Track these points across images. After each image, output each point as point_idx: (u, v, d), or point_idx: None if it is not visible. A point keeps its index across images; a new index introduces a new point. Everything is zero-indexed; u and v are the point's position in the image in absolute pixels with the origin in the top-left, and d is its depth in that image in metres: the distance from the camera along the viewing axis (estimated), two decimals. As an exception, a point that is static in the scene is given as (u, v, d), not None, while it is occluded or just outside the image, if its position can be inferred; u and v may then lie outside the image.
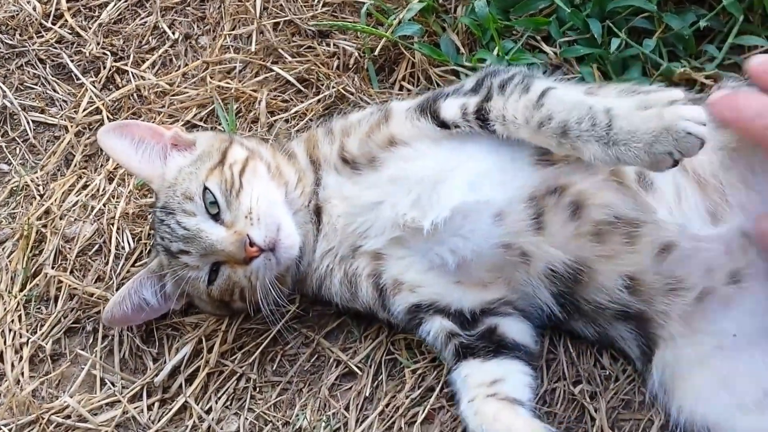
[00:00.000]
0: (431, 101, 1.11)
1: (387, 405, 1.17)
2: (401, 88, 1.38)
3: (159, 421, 1.21)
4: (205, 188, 1.12)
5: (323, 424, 1.17)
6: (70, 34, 1.58)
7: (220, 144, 1.20)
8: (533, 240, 1.04)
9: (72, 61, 1.55)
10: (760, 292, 0.99)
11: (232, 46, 1.49)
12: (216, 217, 1.12)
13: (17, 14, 1.61)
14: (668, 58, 1.30)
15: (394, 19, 1.39)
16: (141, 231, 1.33)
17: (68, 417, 1.23)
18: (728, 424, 0.99)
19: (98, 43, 1.55)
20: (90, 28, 1.57)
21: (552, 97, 0.97)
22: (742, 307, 0.99)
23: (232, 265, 1.11)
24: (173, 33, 1.53)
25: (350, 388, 1.20)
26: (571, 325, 1.12)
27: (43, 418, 1.23)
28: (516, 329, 1.12)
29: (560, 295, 1.07)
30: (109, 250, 1.34)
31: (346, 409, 1.18)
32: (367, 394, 1.19)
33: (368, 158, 1.13)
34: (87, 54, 1.54)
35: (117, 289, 1.30)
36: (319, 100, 1.40)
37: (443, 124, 1.08)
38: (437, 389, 1.15)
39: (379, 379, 1.20)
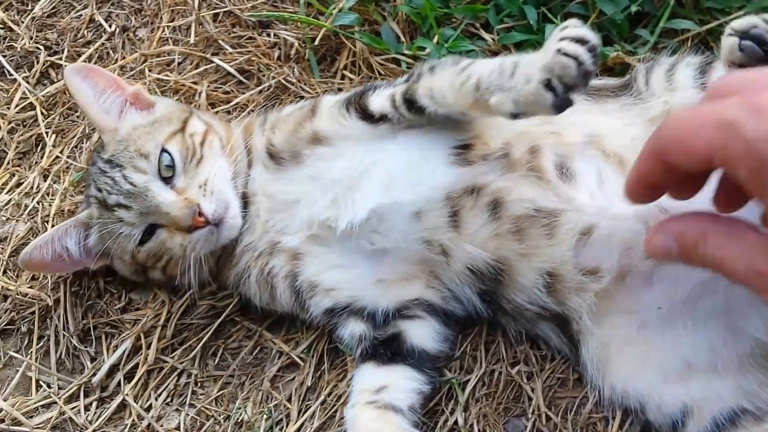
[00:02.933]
0: (359, 95, 1.16)
1: (329, 394, 1.21)
2: (343, 77, 1.43)
3: (97, 420, 1.23)
4: (164, 150, 1.17)
5: (264, 416, 1.20)
6: (1, 28, 1.60)
7: (180, 113, 1.27)
8: (452, 236, 1.09)
9: (4, 56, 1.57)
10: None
11: (170, 38, 1.53)
12: (167, 180, 1.17)
13: (-55, 9, 1.63)
14: (603, 42, 1.35)
15: (334, 8, 1.43)
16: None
17: (2, 421, 1.24)
18: (657, 396, 1.05)
19: (31, 38, 1.57)
20: (23, 22, 1.59)
21: (477, 62, 1.02)
22: (664, 279, 1.03)
23: (172, 230, 1.16)
24: (110, 26, 1.56)
25: (293, 378, 1.23)
26: (498, 322, 1.18)
27: (-24, 422, 1.24)
28: (420, 333, 1.18)
29: (484, 293, 1.13)
30: (43, 248, 1.35)
31: (288, 400, 1.21)
32: (309, 384, 1.22)
33: (292, 154, 1.18)
34: (19, 49, 1.57)
35: (52, 288, 1.33)
36: (260, 91, 1.44)
37: (370, 117, 1.12)
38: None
39: (322, 368, 1.23)
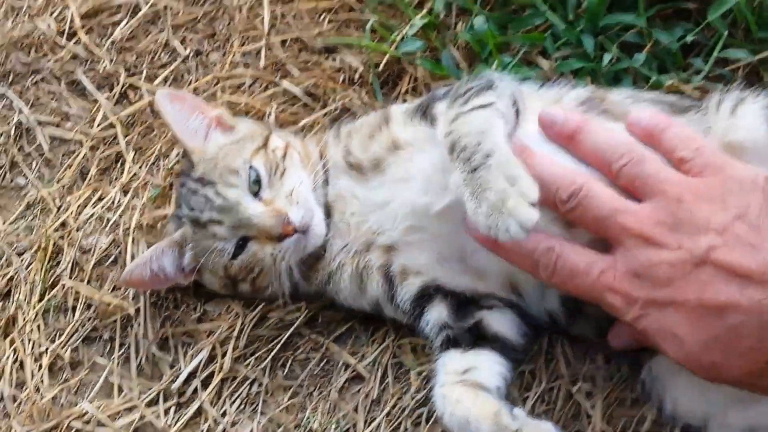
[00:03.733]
0: (428, 104, 1.24)
1: (394, 406, 1.28)
2: (404, 101, 1.50)
3: (176, 424, 1.32)
4: (251, 166, 1.27)
5: (333, 426, 1.29)
6: (83, 51, 1.69)
7: (261, 131, 1.37)
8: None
9: (86, 77, 1.67)
10: None
11: (241, 62, 1.61)
12: (255, 194, 1.27)
13: (32, 32, 1.73)
14: (658, 70, 1.42)
15: (397, 35, 1.51)
16: (155, 241, 1.44)
17: (87, 422, 1.34)
18: (722, 415, 1.11)
19: (111, 60, 1.66)
20: (103, 45, 1.69)
21: (467, 117, 1.08)
22: None
23: (262, 240, 1.25)
24: (184, 49, 1.65)
25: (358, 390, 1.31)
26: (573, 328, 1.24)
27: (63, 424, 1.34)
28: (500, 321, 1.24)
29: (567, 299, 1.18)
30: (125, 261, 1.45)
31: (355, 410, 1.29)
32: (375, 397, 1.30)
33: (372, 162, 1.26)
34: (100, 70, 1.66)
35: (133, 298, 1.43)
36: (325, 114, 1.52)
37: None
38: (442, 390, 1.27)
39: (386, 381, 1.31)
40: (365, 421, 1.28)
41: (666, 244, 0.97)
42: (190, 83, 1.61)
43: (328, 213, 1.30)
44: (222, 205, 1.26)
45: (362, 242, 1.28)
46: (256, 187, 1.27)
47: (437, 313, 1.25)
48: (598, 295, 1.03)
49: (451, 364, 1.22)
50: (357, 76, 1.53)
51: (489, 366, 1.21)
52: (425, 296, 1.25)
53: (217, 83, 1.59)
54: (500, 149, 1.03)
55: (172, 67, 1.63)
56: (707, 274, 0.94)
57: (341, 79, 1.54)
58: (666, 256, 0.96)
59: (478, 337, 1.23)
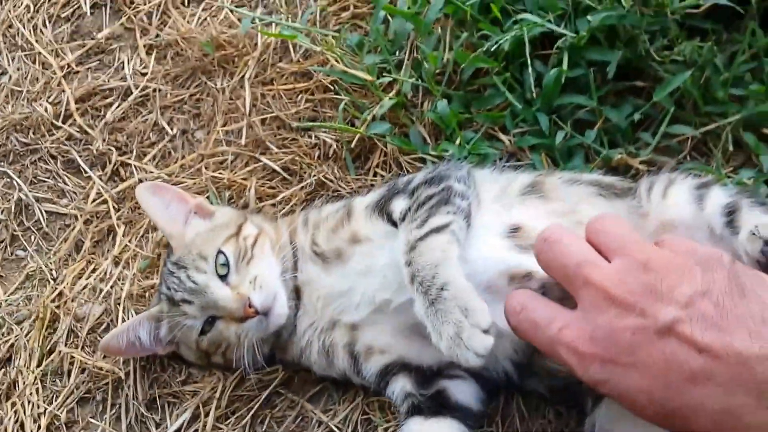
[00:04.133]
0: (385, 201, 1.36)
1: (365, 461, 1.39)
2: (375, 174, 1.63)
3: (162, 483, 1.44)
4: (220, 252, 1.38)
5: (308, 480, 1.39)
6: (78, 132, 1.83)
7: (237, 219, 1.48)
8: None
9: (80, 156, 1.80)
10: None
11: (224, 139, 1.74)
12: (222, 278, 1.37)
13: (30, 115, 1.86)
14: (608, 145, 1.53)
15: (368, 114, 1.63)
16: (144, 309, 1.56)
17: (81, 479, 1.46)
18: None
19: (104, 140, 1.79)
20: (96, 127, 1.81)
21: (423, 244, 1.20)
22: None
23: (227, 320, 1.36)
24: (171, 129, 1.78)
25: (336, 448, 1.43)
26: (526, 384, 1.33)
27: (58, 481, 1.45)
28: (462, 391, 1.33)
29: (519, 363, 1.28)
30: (116, 328, 1.57)
31: (329, 468, 1.40)
32: (351, 453, 1.41)
33: (336, 253, 1.38)
34: (94, 150, 1.79)
35: (123, 362, 1.54)
36: (302, 187, 1.64)
37: (395, 223, 1.32)
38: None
39: (360, 438, 1.42)
40: (339, 478, 1.39)
41: (629, 306, 0.94)
42: (176, 160, 1.73)
43: (298, 294, 1.42)
44: (192, 287, 1.37)
45: (327, 320, 1.39)
46: (224, 270, 1.37)
47: (401, 384, 1.35)
48: (554, 350, 1.02)
49: (415, 430, 1.32)
50: (331, 152, 1.65)
51: None
52: (390, 372, 1.36)
53: (202, 160, 1.71)
54: (454, 281, 1.15)
55: (160, 146, 1.76)
56: (672, 345, 0.91)
57: (316, 155, 1.66)
58: (629, 322, 0.94)
59: (440, 405, 1.33)
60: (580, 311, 1.00)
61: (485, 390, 1.36)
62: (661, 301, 0.93)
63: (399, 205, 1.33)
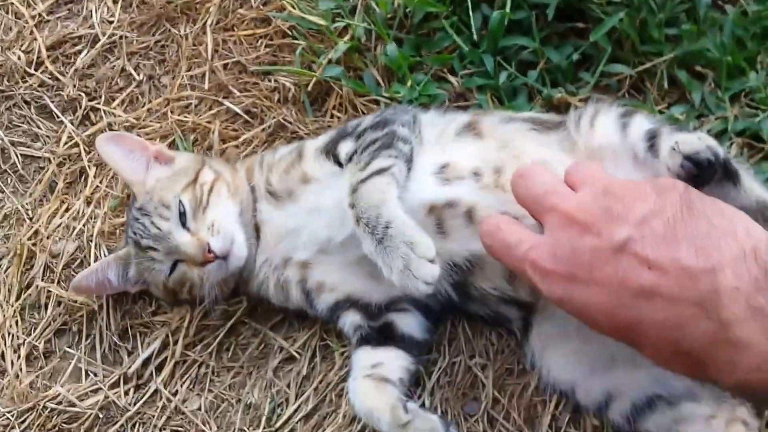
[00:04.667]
0: (333, 143, 1.44)
1: (320, 382, 1.50)
2: (332, 116, 1.71)
3: (135, 404, 1.54)
4: (180, 201, 1.45)
5: (268, 400, 1.51)
6: (50, 78, 1.90)
7: (195, 165, 1.54)
8: (438, 240, 1.31)
9: (53, 102, 1.87)
10: None
11: (188, 84, 1.81)
12: (184, 225, 1.45)
13: (4, 63, 1.93)
14: (550, 84, 1.62)
15: (324, 58, 1.71)
16: (115, 245, 1.66)
17: (60, 403, 1.55)
18: (585, 384, 1.33)
19: (74, 86, 1.86)
20: (67, 73, 1.89)
21: (365, 186, 1.29)
22: None
23: (190, 265, 1.45)
24: (138, 75, 1.85)
25: (291, 369, 1.53)
26: (467, 307, 1.44)
27: (39, 405, 1.55)
28: (408, 324, 1.44)
29: (457, 284, 1.38)
30: (89, 263, 1.66)
31: (288, 387, 1.51)
32: (305, 374, 1.51)
33: (287, 192, 1.47)
34: (65, 96, 1.86)
35: (96, 297, 1.63)
36: (263, 129, 1.72)
37: (341, 165, 1.40)
38: (361, 367, 1.49)
39: (315, 361, 1.52)
40: (296, 395, 1.50)
41: (588, 227, 1.00)
42: (144, 105, 1.81)
43: (258, 233, 1.50)
44: (156, 234, 1.45)
45: (280, 258, 1.48)
46: (184, 218, 1.45)
47: (351, 318, 1.46)
48: (522, 268, 1.08)
49: (363, 359, 1.43)
50: (290, 95, 1.73)
51: (394, 362, 1.42)
52: (340, 307, 1.47)
53: (167, 104, 1.79)
54: (396, 218, 1.24)
55: (128, 91, 1.84)
56: (624, 263, 0.97)
57: (276, 98, 1.74)
58: (587, 241, 1.00)
59: (387, 337, 1.44)
60: (546, 233, 1.07)
61: (431, 320, 1.47)
62: (616, 221, 0.99)
63: (345, 148, 1.42)
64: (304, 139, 1.60)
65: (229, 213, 1.48)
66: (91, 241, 1.69)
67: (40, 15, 2.01)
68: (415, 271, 1.19)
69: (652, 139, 1.29)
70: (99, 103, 1.84)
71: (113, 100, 1.84)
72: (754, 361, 0.90)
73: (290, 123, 1.71)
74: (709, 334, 0.91)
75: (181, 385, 1.55)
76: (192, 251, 1.43)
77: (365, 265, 1.32)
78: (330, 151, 1.44)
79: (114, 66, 1.88)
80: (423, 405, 1.44)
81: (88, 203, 1.74)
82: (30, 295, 1.68)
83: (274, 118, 1.72)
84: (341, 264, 1.45)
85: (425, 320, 1.46)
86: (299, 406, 1.49)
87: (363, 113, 1.69)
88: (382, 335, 1.45)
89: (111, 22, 1.94)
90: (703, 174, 1.16)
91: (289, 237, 1.47)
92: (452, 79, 1.67)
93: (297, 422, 1.48)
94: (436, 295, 1.41)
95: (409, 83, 1.66)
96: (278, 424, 1.48)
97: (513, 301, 1.38)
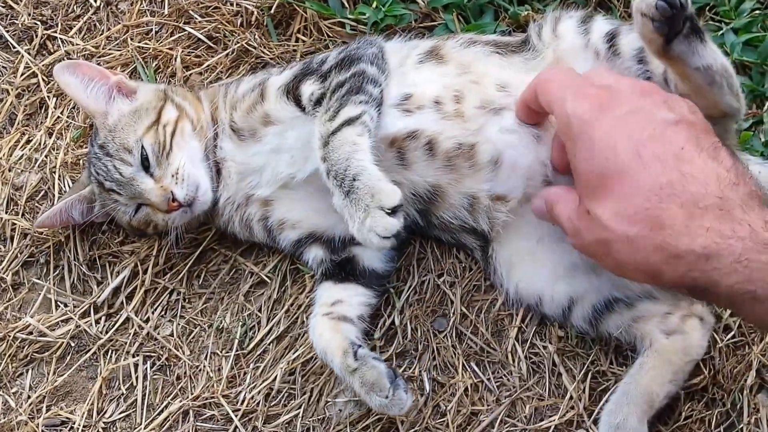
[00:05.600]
0: (296, 82, 1.41)
1: (291, 304, 1.53)
2: (297, 40, 1.69)
3: (107, 332, 1.56)
4: (142, 146, 1.43)
5: (240, 323, 1.53)
6: (3, 7, 1.85)
7: (156, 102, 1.50)
8: (401, 171, 1.36)
9: (7, 31, 1.82)
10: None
11: (148, 9, 1.77)
12: (147, 170, 1.43)
13: (-46, -8, 1.86)
14: (517, 2, 1.62)
15: (287, -21, 1.68)
16: (78, 176, 1.64)
17: (30, 333, 1.57)
18: (549, 292, 1.38)
19: (29, 14, 1.81)
20: (21, 1, 1.84)
21: (336, 139, 1.27)
22: None
23: (154, 210, 1.45)
24: (95, 1, 1.81)
25: (262, 293, 1.55)
26: (432, 233, 1.48)
27: (9, 336, 1.57)
28: (369, 257, 1.47)
29: (420, 211, 1.41)
30: (54, 195, 1.66)
31: (259, 310, 1.53)
32: (276, 297, 1.54)
33: (250, 131, 1.46)
34: (20, 25, 1.81)
35: (62, 228, 1.63)
36: (227, 55, 1.70)
37: (303, 108, 1.39)
38: (332, 289, 1.51)
39: (286, 285, 1.55)
40: (268, 318, 1.53)
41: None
42: (102, 32, 1.77)
43: (219, 170, 1.49)
44: (119, 179, 1.44)
45: (242, 196, 1.48)
46: (147, 163, 1.43)
47: (314, 254, 1.48)
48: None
49: (324, 296, 1.45)
50: (253, 19, 1.70)
51: (354, 298, 1.45)
52: (303, 243, 1.48)
53: (127, 31, 1.75)
54: (364, 170, 1.23)
55: (85, 18, 1.79)
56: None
57: (239, 22, 1.71)
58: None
59: (348, 273, 1.46)
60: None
61: (395, 247, 1.45)
62: None
63: (309, 89, 1.39)
64: (268, 71, 1.57)
65: (193, 156, 1.46)
66: (54, 172, 1.68)
67: (-11, -58, 1.94)
68: (371, 226, 1.19)
69: (612, 39, 1.35)
70: (56, 32, 1.80)
71: (70, 28, 1.80)
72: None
73: (254, 48, 1.69)
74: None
75: (153, 312, 1.57)
76: (156, 200, 1.42)
77: (329, 199, 1.33)
78: (291, 92, 1.41)
79: (70, -8, 1.83)
80: (393, 323, 1.47)
81: (50, 134, 1.72)
82: (-5, 227, 1.67)
83: (237, 43, 1.70)
84: (304, 200, 1.46)
85: (389, 249, 1.48)
86: (271, 329, 1.52)
87: (328, 36, 1.67)
88: (344, 271, 1.47)
89: (65, -53, 1.88)
90: (674, 17, 1.17)
91: (252, 176, 1.47)
92: (419, -1, 1.66)
93: (269, 344, 1.51)
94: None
95: (374, 4, 1.64)
96: (250, 347, 1.51)
97: (472, 230, 1.41)
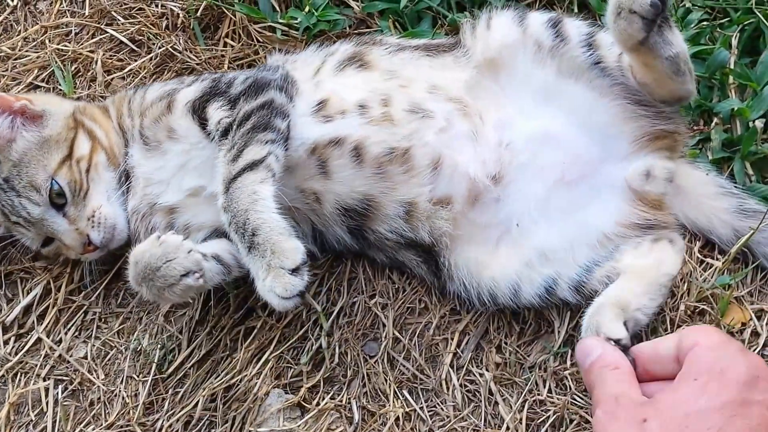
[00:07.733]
0: (203, 103, 1.35)
1: (214, 326, 1.45)
2: (225, 44, 1.62)
3: (16, 354, 1.47)
4: (53, 181, 1.35)
5: (159, 345, 1.45)
6: None
7: (67, 133, 1.40)
8: (323, 183, 1.31)
9: None
10: (522, 182, 1.32)
11: (68, 10, 1.69)
12: (59, 208, 1.37)
13: None
14: (456, 9, 1.57)
15: (215, -20, 1.61)
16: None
17: (-66, 355, 1.48)
18: (528, 275, 1.32)
19: (-61, 12, 1.72)
20: (-70, -2, 1.74)
21: (236, 190, 1.21)
22: (512, 198, 1.32)
23: (67, 248, 1.39)
24: (12, 0, 1.72)
25: (184, 314, 1.47)
26: (367, 253, 1.42)
27: None
28: None
29: (354, 230, 1.36)
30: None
31: (180, 332, 1.46)
32: (198, 318, 1.46)
33: (156, 142, 1.39)
34: (-72, 23, 1.72)
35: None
36: (151, 59, 1.63)
37: (209, 134, 1.33)
38: (257, 309, 1.44)
39: (209, 305, 1.47)
40: (189, 340, 1.45)
41: None
42: (19, 33, 1.69)
43: (128, 178, 1.41)
44: (28, 218, 1.36)
45: (147, 204, 1.40)
46: (61, 200, 1.35)
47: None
48: None
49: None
50: (179, 21, 1.63)
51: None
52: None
53: (45, 32, 1.67)
54: (263, 225, 1.18)
55: (0, 18, 1.71)
56: None
57: (164, 25, 1.64)
58: None
59: None
60: None
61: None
62: None
63: (216, 115, 1.33)
64: (180, 79, 1.49)
65: (109, 189, 1.41)
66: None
67: None
68: (272, 283, 1.15)
69: (557, 25, 1.32)
70: (-32, 33, 1.71)
71: (-16, 28, 1.71)
72: None
73: (180, 52, 1.62)
74: None
75: (66, 333, 1.49)
76: (71, 243, 1.38)
77: None
78: (197, 112, 1.35)
79: (-16, -10, 1.74)
80: (320, 347, 1.40)
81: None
82: None
83: (162, 47, 1.62)
84: (209, 208, 1.37)
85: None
86: (192, 352, 1.44)
87: (258, 41, 1.61)
88: None
89: (-22, -59, 1.78)
90: (661, 12, 1.18)
91: (156, 186, 1.40)
92: (353, 3, 1.61)
93: (190, 368, 1.43)
94: (336, 242, 1.40)
95: (306, 8, 1.58)
96: (170, 371, 1.43)
97: (411, 244, 1.35)
